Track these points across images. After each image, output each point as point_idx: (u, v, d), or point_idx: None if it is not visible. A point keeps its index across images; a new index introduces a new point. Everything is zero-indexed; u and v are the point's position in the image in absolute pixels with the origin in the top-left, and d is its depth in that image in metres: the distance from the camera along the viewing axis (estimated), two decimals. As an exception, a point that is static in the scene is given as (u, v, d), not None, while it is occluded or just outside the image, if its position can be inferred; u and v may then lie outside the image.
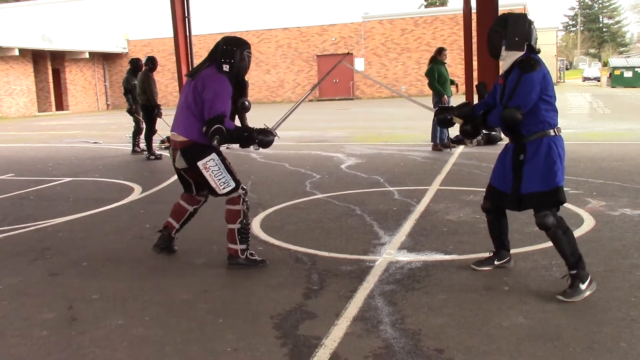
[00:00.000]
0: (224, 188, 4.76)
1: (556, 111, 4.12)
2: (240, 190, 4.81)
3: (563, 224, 4.04)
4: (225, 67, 4.72)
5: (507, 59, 4.16)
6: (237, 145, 4.92)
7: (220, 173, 4.73)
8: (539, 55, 4.16)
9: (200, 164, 4.71)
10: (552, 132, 4.05)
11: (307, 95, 6.19)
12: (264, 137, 4.78)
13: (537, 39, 4.19)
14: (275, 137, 4.89)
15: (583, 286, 3.94)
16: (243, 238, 4.84)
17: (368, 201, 7.21)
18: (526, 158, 4.07)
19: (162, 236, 5.25)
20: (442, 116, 4.57)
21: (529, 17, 4.23)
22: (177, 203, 5.23)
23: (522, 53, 4.10)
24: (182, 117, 4.80)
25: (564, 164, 4.10)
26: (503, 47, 4.15)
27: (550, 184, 3.99)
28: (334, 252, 5.17)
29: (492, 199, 4.43)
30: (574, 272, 3.97)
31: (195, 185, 5.03)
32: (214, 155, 4.73)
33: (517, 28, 4.10)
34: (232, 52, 4.73)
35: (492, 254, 4.61)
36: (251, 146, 4.86)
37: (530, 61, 4.04)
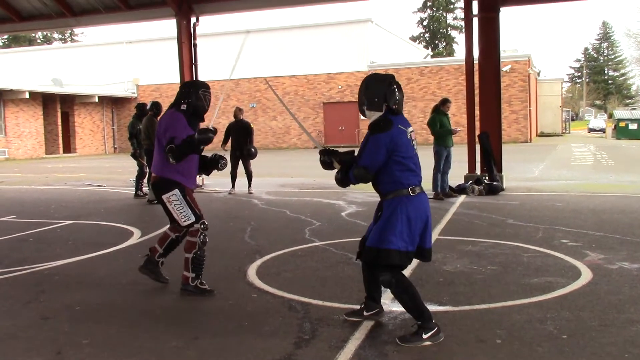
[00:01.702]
0: (184, 221, 5.33)
1: (412, 171, 4.20)
2: (198, 225, 5.33)
3: (402, 283, 4.19)
4: (183, 106, 5.39)
5: (371, 117, 4.29)
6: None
7: (181, 207, 5.31)
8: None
9: (164, 197, 5.34)
10: (405, 192, 4.15)
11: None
12: (201, 135, 5.20)
13: (398, 100, 4.25)
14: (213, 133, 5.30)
15: (425, 336, 4.09)
16: (195, 267, 5.37)
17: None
18: (382, 215, 4.22)
19: (147, 258, 5.78)
20: (323, 158, 4.57)
21: (392, 79, 4.29)
22: (164, 231, 5.80)
23: (380, 113, 4.22)
24: (155, 156, 5.50)
25: (417, 225, 4.15)
26: (365, 107, 4.29)
27: (384, 244, 4.11)
28: (328, 301, 5.14)
29: (360, 249, 4.56)
30: (419, 322, 4.14)
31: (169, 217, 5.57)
32: (176, 191, 5.31)
33: (377, 89, 4.23)
34: (188, 92, 5.41)
35: (362, 306, 4.67)
36: (219, 165, 5.70)
37: (380, 123, 4.17)
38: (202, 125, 5.74)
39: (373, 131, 4.17)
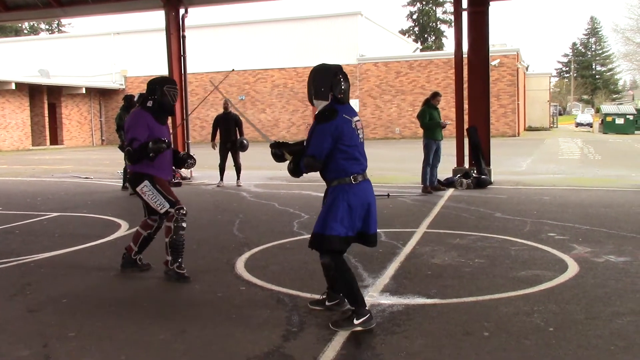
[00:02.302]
0: (160, 208, 5.57)
1: (356, 159, 4.30)
2: (172, 210, 5.53)
3: (341, 267, 4.33)
4: (149, 103, 5.63)
5: (318, 107, 4.39)
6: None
7: (154, 196, 5.55)
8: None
9: (138, 189, 5.61)
10: (347, 180, 4.27)
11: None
12: (154, 145, 5.44)
13: (344, 90, 4.34)
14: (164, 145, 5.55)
15: (356, 321, 4.22)
16: (173, 251, 5.58)
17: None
18: (325, 202, 4.38)
19: (124, 257, 6.02)
20: (274, 151, 4.63)
21: (339, 69, 4.39)
22: (136, 229, 6.03)
23: (327, 102, 4.32)
24: None
25: (358, 211, 4.26)
26: (312, 97, 4.41)
27: (326, 230, 4.25)
28: (317, 294, 5.12)
29: None
30: (353, 308, 4.29)
31: (146, 210, 5.83)
32: (146, 182, 5.57)
33: (324, 79, 4.32)
34: (154, 89, 5.64)
35: (324, 296, 4.77)
36: (186, 164, 6.01)
37: (325, 112, 4.27)
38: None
39: (319, 121, 4.28)
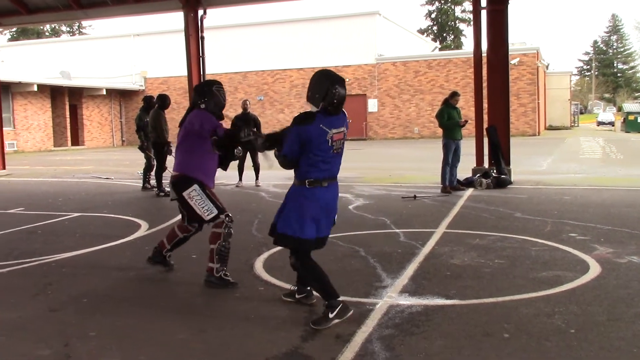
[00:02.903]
0: (207, 215, 5.45)
1: (317, 167, 4.36)
2: (223, 216, 5.44)
3: (308, 265, 4.49)
4: (202, 105, 5.57)
5: (311, 109, 4.46)
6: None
7: (202, 202, 5.44)
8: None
9: (185, 194, 5.46)
10: (304, 183, 4.39)
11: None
12: (245, 135, 5.25)
13: (337, 103, 4.36)
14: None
15: (331, 315, 4.33)
16: (220, 258, 5.44)
17: (373, 243, 7.18)
18: (285, 201, 4.53)
19: (155, 250, 5.99)
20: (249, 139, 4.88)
21: (338, 81, 4.39)
22: (172, 228, 5.96)
23: (316, 108, 4.36)
24: (177, 157, 5.71)
25: (308, 214, 4.35)
26: (307, 98, 4.48)
27: (282, 227, 4.44)
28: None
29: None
30: (327, 302, 4.39)
31: (187, 216, 5.65)
32: (195, 187, 5.45)
33: (318, 86, 4.36)
34: (203, 92, 5.61)
35: (294, 287, 4.96)
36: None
37: (302, 116, 4.36)
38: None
39: (293, 122, 4.36)
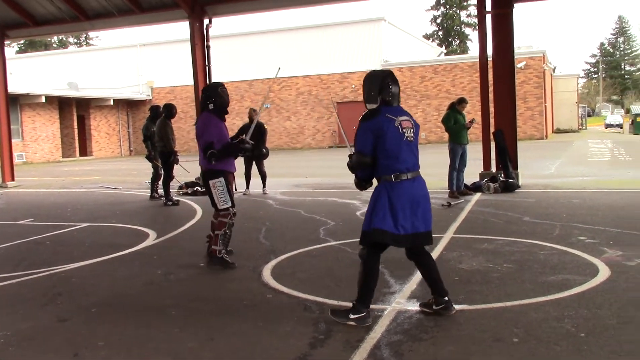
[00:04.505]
0: (222, 204, 6.50)
1: (397, 157, 4.45)
2: (232, 210, 6.56)
3: (369, 262, 4.50)
4: (210, 106, 6.53)
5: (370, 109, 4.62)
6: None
7: (222, 193, 6.47)
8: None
9: (211, 182, 6.48)
10: (389, 178, 4.46)
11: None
12: (243, 145, 6.51)
13: (392, 93, 4.56)
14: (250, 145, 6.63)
15: (352, 316, 4.45)
16: (222, 242, 6.54)
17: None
18: (370, 199, 4.56)
19: (208, 245, 6.74)
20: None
21: (387, 74, 4.62)
22: (211, 219, 6.79)
23: (376, 105, 4.55)
24: (200, 153, 6.57)
25: (400, 209, 4.38)
26: (365, 100, 4.65)
27: (365, 225, 4.50)
28: (343, 301, 5.10)
29: None
30: (354, 302, 4.49)
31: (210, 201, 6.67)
32: (221, 179, 6.47)
33: (373, 84, 4.59)
34: (210, 94, 6.56)
35: (431, 300, 4.77)
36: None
37: (367, 112, 4.55)
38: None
39: (362, 120, 4.54)
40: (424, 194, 4.56)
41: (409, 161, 4.51)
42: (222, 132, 6.49)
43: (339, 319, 4.50)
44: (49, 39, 66.58)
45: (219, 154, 6.35)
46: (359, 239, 4.61)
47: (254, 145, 6.80)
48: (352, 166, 4.61)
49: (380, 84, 4.54)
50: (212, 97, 6.51)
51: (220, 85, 6.66)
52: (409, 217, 4.43)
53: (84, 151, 39.16)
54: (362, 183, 4.68)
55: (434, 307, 4.65)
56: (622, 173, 15.59)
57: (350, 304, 4.56)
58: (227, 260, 6.49)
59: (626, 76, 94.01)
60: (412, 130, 4.56)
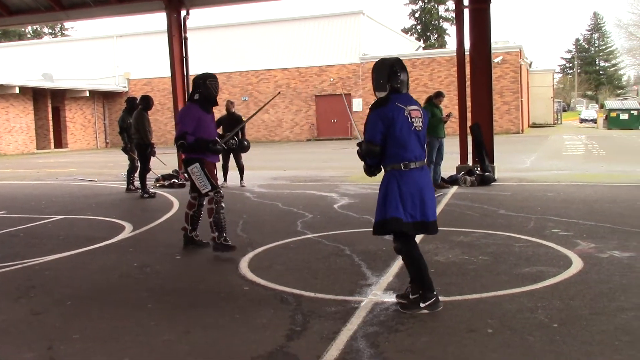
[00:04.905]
0: (203, 189, 6.58)
1: (406, 147, 4.47)
2: (212, 193, 6.55)
3: (408, 252, 4.55)
4: (196, 96, 6.61)
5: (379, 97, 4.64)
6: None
7: (200, 177, 6.54)
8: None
9: (189, 169, 6.59)
10: (398, 167, 4.48)
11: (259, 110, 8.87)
12: (213, 146, 6.53)
13: (400, 80, 4.58)
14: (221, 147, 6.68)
15: (423, 304, 4.49)
16: (217, 228, 6.57)
17: (358, 241, 7.18)
18: (380, 188, 4.60)
19: (184, 237, 6.97)
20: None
21: (395, 62, 4.62)
22: (185, 211, 6.97)
23: (385, 93, 4.58)
24: None
25: (409, 198, 4.43)
26: (374, 89, 4.70)
27: (379, 215, 4.52)
28: (320, 293, 5.13)
29: None
30: (420, 292, 4.51)
31: (191, 186, 6.85)
32: (197, 164, 6.54)
33: (380, 72, 4.62)
34: (198, 84, 6.62)
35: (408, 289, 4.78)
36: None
37: (377, 100, 4.57)
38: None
39: (371, 108, 4.54)
40: (429, 183, 4.62)
41: (417, 150, 4.54)
42: (200, 123, 6.51)
43: (410, 311, 4.48)
44: (23, 29, 65.48)
45: (188, 146, 6.46)
46: (372, 229, 4.66)
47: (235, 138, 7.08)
48: (362, 155, 4.63)
49: (389, 72, 4.55)
50: (199, 88, 6.58)
51: (210, 76, 6.69)
52: (418, 205, 4.46)
53: (59, 143, 38.68)
54: (371, 169, 4.69)
55: (410, 296, 4.65)
56: (595, 167, 15.82)
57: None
58: (228, 244, 6.59)
59: (601, 72, 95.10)
60: (420, 120, 4.58)
